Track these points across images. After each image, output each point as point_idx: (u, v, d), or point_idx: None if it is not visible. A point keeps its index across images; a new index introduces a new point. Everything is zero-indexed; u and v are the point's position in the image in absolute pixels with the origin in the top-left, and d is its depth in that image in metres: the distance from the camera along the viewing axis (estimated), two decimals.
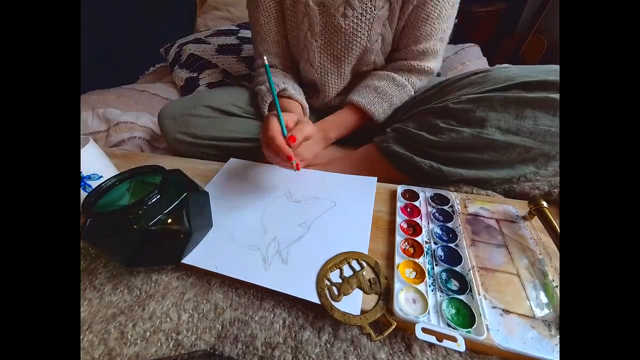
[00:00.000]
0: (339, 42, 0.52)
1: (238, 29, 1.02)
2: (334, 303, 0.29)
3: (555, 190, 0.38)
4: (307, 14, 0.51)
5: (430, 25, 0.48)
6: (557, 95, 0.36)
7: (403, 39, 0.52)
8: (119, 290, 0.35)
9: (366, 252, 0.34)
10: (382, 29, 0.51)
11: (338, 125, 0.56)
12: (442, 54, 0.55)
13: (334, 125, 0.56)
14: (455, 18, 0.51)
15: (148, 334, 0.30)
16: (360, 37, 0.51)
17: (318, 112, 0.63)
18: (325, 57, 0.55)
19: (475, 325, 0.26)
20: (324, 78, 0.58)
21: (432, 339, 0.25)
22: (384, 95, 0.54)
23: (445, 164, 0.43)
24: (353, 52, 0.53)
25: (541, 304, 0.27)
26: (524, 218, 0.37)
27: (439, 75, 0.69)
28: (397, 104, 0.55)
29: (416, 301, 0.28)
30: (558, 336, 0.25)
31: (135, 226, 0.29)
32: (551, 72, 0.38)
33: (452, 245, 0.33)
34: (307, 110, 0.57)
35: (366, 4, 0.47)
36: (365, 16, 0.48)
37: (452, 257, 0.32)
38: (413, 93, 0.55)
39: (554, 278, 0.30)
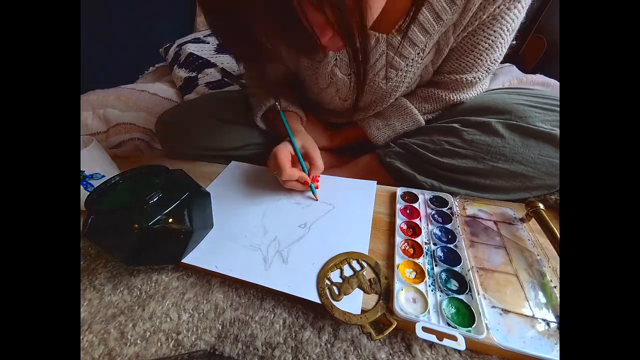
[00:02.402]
0: (374, 99, 0.48)
1: None
2: (334, 302, 0.29)
3: (552, 197, 0.38)
4: (334, 83, 0.46)
5: (476, 56, 0.40)
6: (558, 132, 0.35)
7: (443, 65, 0.44)
8: (119, 290, 0.34)
9: (366, 253, 0.34)
10: (423, 71, 0.45)
11: (344, 132, 0.57)
12: (485, 84, 0.47)
13: (341, 132, 0.57)
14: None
15: (148, 334, 0.30)
16: (399, 91, 0.46)
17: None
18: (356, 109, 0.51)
19: (475, 325, 0.26)
20: (355, 114, 0.54)
21: (433, 338, 0.25)
22: (390, 128, 0.50)
23: (446, 183, 0.42)
24: (388, 102, 0.49)
25: (540, 303, 0.28)
26: (522, 220, 0.37)
27: None
28: (400, 130, 0.50)
29: (416, 301, 0.29)
30: (557, 336, 0.25)
31: (136, 225, 0.29)
32: (554, 97, 0.38)
33: (451, 246, 0.33)
34: (304, 117, 0.55)
35: (413, 59, 0.41)
36: (411, 71, 0.43)
37: (452, 258, 0.32)
38: (423, 123, 0.49)
39: (551, 278, 0.30)
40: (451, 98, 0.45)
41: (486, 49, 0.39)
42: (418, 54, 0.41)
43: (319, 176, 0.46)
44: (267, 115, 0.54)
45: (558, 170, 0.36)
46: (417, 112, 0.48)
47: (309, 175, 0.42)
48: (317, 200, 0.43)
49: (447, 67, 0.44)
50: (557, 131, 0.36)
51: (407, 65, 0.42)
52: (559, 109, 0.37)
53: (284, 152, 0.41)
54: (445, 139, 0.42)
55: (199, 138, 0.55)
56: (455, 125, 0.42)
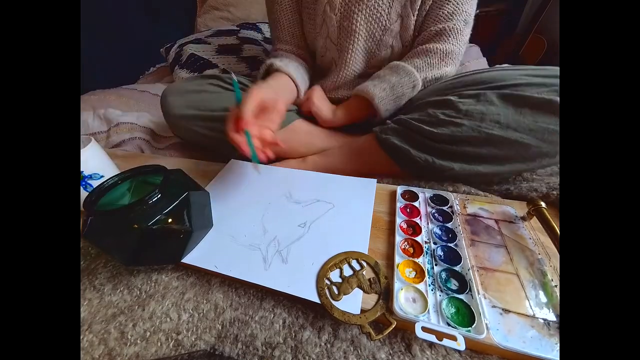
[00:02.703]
0: (359, 15, 0.51)
1: (238, 29, 1.02)
2: (334, 302, 0.29)
3: (554, 192, 0.38)
4: (325, 23, 0.51)
5: (453, 4, 0.48)
6: (555, 97, 0.36)
7: (425, 22, 0.51)
8: (119, 290, 0.35)
9: (366, 252, 0.34)
10: (402, 10, 0.50)
11: (344, 106, 0.56)
12: (466, 40, 0.52)
13: (341, 106, 0.57)
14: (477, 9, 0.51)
15: (148, 334, 0.30)
16: (380, 13, 0.50)
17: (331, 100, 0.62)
18: (344, 32, 0.54)
19: (475, 324, 0.26)
20: (343, 55, 0.57)
21: (432, 338, 0.25)
22: (385, 82, 0.50)
23: (440, 157, 0.43)
24: (372, 28, 0.52)
25: (540, 303, 0.27)
26: (523, 218, 0.37)
27: None
28: (399, 91, 0.50)
29: (416, 300, 0.28)
30: (557, 335, 0.25)
31: (136, 225, 0.29)
32: (550, 74, 0.39)
33: (451, 245, 0.33)
34: (302, 89, 0.57)
35: None
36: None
37: (452, 257, 0.32)
38: (420, 82, 0.50)
39: (552, 278, 0.30)
40: (438, 48, 0.49)
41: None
42: None
43: (276, 141, 0.39)
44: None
45: (553, 137, 0.37)
46: (411, 67, 0.50)
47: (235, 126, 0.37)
48: (259, 167, 0.39)
49: (428, 22, 0.50)
50: (552, 97, 0.36)
51: None
52: (554, 80, 0.38)
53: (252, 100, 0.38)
54: (441, 110, 0.43)
55: (207, 101, 0.55)
56: (450, 97, 0.43)
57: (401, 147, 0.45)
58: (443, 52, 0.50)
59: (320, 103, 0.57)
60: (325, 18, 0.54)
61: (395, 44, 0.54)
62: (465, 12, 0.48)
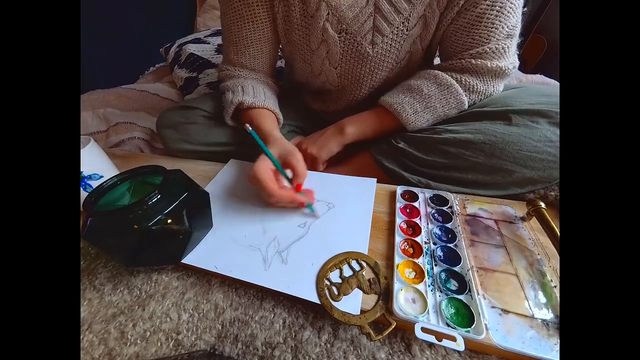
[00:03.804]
0: (363, 68, 0.48)
1: None
2: (333, 303, 0.29)
3: (552, 193, 0.38)
4: (325, 41, 0.45)
5: (487, 26, 0.39)
6: (540, 125, 0.37)
7: (451, 46, 0.44)
8: (119, 290, 0.35)
9: (366, 253, 0.34)
10: (411, 47, 0.46)
11: (358, 120, 0.49)
12: (513, 51, 0.43)
13: (353, 120, 0.49)
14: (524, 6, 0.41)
15: (148, 333, 0.30)
16: (387, 62, 0.47)
17: (334, 115, 0.60)
18: (346, 79, 0.51)
19: (474, 325, 0.26)
20: (344, 94, 0.54)
21: (432, 339, 0.25)
22: (418, 95, 0.44)
23: (432, 179, 0.44)
24: (378, 76, 0.49)
25: (539, 303, 0.28)
26: (522, 219, 0.37)
27: None
28: (439, 108, 0.44)
29: (415, 301, 0.29)
30: (556, 336, 0.25)
31: (135, 226, 0.29)
32: (539, 100, 0.40)
33: (451, 245, 0.33)
34: (281, 119, 0.53)
35: (397, 27, 0.42)
36: (397, 40, 0.44)
37: (451, 257, 0.32)
38: (465, 98, 0.43)
39: (552, 278, 0.30)
40: (478, 63, 0.41)
41: (496, 16, 0.38)
42: (403, 22, 0.42)
43: (313, 193, 0.42)
44: (239, 114, 0.51)
45: (537, 163, 0.38)
46: (447, 76, 0.43)
47: (292, 184, 0.40)
48: (318, 217, 0.39)
49: (460, 45, 0.42)
50: (536, 125, 0.37)
51: (392, 32, 0.43)
52: (538, 107, 0.38)
53: (264, 169, 0.38)
54: (429, 136, 0.44)
55: (200, 134, 0.55)
56: (437, 126, 0.44)
57: (395, 170, 0.46)
58: (490, 70, 0.42)
59: (320, 150, 0.50)
60: (324, 70, 0.50)
61: (399, 64, 0.49)
62: (508, 27, 0.39)
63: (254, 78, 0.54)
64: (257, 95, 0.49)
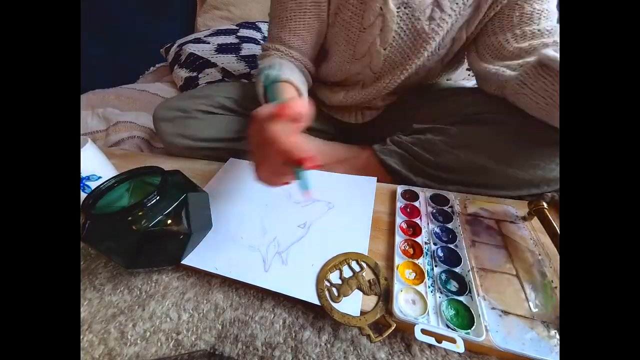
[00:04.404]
0: (411, 47, 0.46)
1: (238, 28, 1.02)
2: (333, 304, 0.29)
3: (554, 192, 0.38)
4: (382, 16, 0.43)
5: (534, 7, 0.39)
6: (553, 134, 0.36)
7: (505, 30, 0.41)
8: (119, 290, 0.35)
9: (366, 253, 0.34)
10: (457, 33, 0.45)
11: (344, 157, 0.53)
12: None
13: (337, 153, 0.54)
14: None
15: (148, 334, 0.30)
16: (433, 43, 0.45)
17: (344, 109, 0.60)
18: (391, 66, 0.49)
19: (474, 326, 0.26)
20: (379, 82, 0.52)
21: (432, 340, 0.25)
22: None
23: (438, 181, 0.43)
24: (418, 60, 0.47)
25: (540, 304, 0.27)
26: (524, 218, 0.37)
27: (448, 80, 0.65)
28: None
29: (416, 302, 0.28)
30: (556, 337, 0.25)
31: (134, 227, 0.29)
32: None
33: (451, 245, 0.33)
34: (304, 94, 0.50)
35: (457, 2, 0.41)
36: (452, 18, 0.42)
37: (452, 258, 0.32)
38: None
39: (553, 279, 0.30)
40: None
41: None
42: None
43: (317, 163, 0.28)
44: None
45: (544, 170, 0.37)
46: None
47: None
48: (310, 197, 0.34)
49: (510, 28, 0.41)
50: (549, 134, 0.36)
51: (451, 9, 0.41)
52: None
53: (264, 108, 0.27)
54: (439, 138, 0.43)
55: (198, 129, 0.54)
56: (446, 125, 0.43)
57: (400, 171, 0.46)
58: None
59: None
60: (372, 51, 0.47)
61: (433, 66, 0.50)
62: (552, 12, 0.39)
63: (288, 55, 0.51)
64: (283, 70, 0.47)
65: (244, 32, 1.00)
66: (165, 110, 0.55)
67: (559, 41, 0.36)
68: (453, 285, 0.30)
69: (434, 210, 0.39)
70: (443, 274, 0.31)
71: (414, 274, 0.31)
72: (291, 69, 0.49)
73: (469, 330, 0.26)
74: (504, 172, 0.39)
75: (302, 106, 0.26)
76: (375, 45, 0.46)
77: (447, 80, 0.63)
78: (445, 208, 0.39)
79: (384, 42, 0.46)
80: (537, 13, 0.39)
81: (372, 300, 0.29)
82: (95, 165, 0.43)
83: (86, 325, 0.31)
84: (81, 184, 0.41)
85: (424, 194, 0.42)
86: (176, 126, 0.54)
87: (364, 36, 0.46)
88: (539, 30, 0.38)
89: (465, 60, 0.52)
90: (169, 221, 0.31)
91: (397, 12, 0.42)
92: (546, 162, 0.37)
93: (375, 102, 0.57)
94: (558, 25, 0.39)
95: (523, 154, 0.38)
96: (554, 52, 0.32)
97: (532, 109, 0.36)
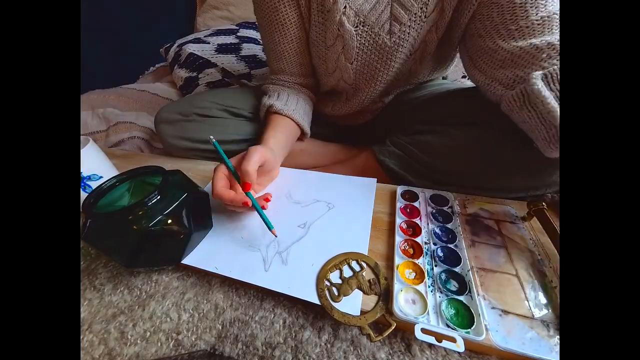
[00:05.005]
0: (378, 60, 0.46)
1: (238, 28, 1.02)
2: (333, 304, 0.29)
3: (554, 193, 0.38)
4: (341, 36, 0.44)
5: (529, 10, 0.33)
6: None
7: (483, 33, 0.37)
8: (119, 290, 0.35)
9: (366, 253, 0.34)
10: (427, 36, 0.44)
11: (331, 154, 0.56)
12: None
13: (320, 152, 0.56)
14: None
15: (148, 333, 0.30)
16: (402, 52, 0.45)
17: (342, 118, 0.61)
18: (360, 76, 0.50)
19: (474, 326, 0.26)
20: (359, 93, 0.53)
21: (432, 340, 0.25)
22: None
23: (436, 183, 0.44)
24: (392, 68, 0.47)
25: (540, 304, 0.28)
26: (523, 219, 0.37)
27: (445, 78, 0.65)
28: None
29: (416, 302, 0.29)
30: (556, 337, 0.25)
31: (135, 227, 0.29)
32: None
33: (451, 245, 0.33)
34: (306, 127, 0.53)
35: (416, 13, 0.41)
36: (414, 27, 0.42)
37: (452, 258, 0.32)
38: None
39: (552, 279, 0.30)
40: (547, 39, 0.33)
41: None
42: (421, 8, 0.40)
43: (269, 196, 0.40)
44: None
45: (541, 172, 0.37)
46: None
47: (241, 185, 0.37)
48: (275, 236, 0.35)
49: (494, 27, 0.36)
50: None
51: (410, 20, 0.41)
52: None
53: (218, 173, 0.37)
54: (438, 139, 0.43)
55: (198, 132, 0.55)
56: (446, 126, 0.43)
57: (398, 172, 0.46)
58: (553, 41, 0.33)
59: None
60: (340, 66, 0.49)
61: (413, 67, 0.50)
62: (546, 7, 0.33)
63: (295, 83, 0.54)
64: (289, 104, 0.50)
65: (244, 32, 1.00)
66: (166, 114, 0.57)
67: (557, 36, 0.32)
68: (453, 285, 0.30)
69: (434, 211, 0.39)
70: (443, 273, 0.31)
71: (414, 274, 0.31)
72: (296, 100, 0.52)
73: (469, 330, 0.26)
74: (500, 176, 0.39)
75: (249, 164, 0.36)
76: (341, 61, 0.48)
77: (442, 78, 0.63)
78: (445, 208, 0.39)
79: (349, 58, 0.47)
80: (520, 6, 0.34)
81: (372, 299, 0.29)
82: (96, 164, 0.43)
83: (86, 325, 0.31)
84: (82, 184, 0.41)
85: (423, 194, 0.42)
86: (176, 129, 0.55)
87: (330, 54, 0.48)
88: (526, 25, 0.34)
89: (458, 58, 0.52)
90: (170, 221, 0.31)
91: (356, 30, 0.44)
92: (542, 167, 0.37)
93: (369, 106, 0.57)
94: (554, 12, 0.33)
95: (519, 158, 0.38)
96: (540, 85, 0.30)
97: (522, 128, 0.35)
